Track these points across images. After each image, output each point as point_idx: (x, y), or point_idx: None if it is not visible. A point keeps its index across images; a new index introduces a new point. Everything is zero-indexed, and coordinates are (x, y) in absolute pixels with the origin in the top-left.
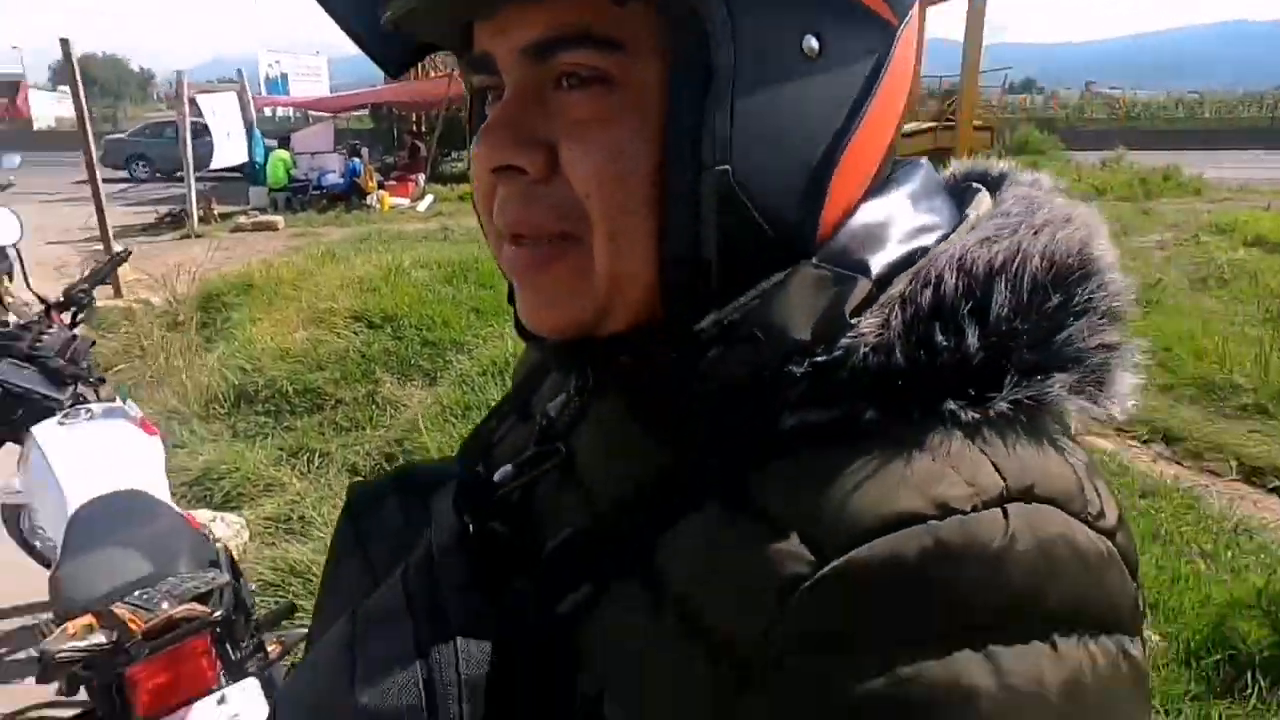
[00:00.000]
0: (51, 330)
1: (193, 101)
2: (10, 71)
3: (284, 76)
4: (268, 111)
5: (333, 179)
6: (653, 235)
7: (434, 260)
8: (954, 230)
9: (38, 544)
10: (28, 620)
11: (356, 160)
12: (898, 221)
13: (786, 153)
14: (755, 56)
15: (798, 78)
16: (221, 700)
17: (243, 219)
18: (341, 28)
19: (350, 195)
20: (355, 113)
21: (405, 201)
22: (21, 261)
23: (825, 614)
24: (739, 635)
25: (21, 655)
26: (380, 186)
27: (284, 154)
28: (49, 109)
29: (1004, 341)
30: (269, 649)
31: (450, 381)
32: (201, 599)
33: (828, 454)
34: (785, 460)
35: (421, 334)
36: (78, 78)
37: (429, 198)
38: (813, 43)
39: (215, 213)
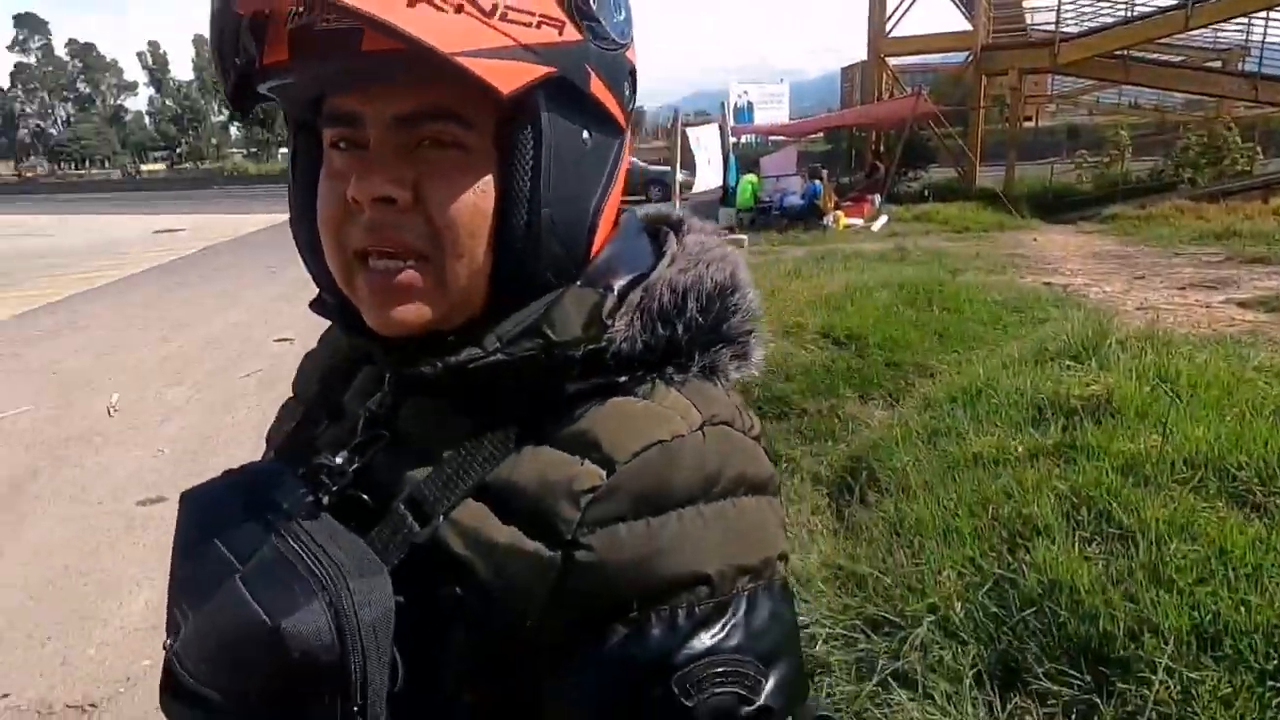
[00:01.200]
0: None
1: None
2: None
3: (750, 105)
4: (744, 139)
5: (793, 200)
6: (488, 256)
7: (895, 281)
8: (659, 261)
9: None
10: None
11: (817, 183)
12: (623, 256)
13: (576, 204)
14: (559, 143)
15: (580, 157)
16: None
17: None
18: (219, 67)
19: (808, 216)
20: (811, 136)
21: (859, 221)
22: None
23: (615, 502)
24: (557, 523)
25: None
26: (837, 207)
27: (753, 178)
28: None
29: (694, 332)
30: None
31: (915, 405)
32: None
33: (600, 408)
34: (569, 413)
35: (884, 354)
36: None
37: (884, 217)
38: (585, 136)
39: None
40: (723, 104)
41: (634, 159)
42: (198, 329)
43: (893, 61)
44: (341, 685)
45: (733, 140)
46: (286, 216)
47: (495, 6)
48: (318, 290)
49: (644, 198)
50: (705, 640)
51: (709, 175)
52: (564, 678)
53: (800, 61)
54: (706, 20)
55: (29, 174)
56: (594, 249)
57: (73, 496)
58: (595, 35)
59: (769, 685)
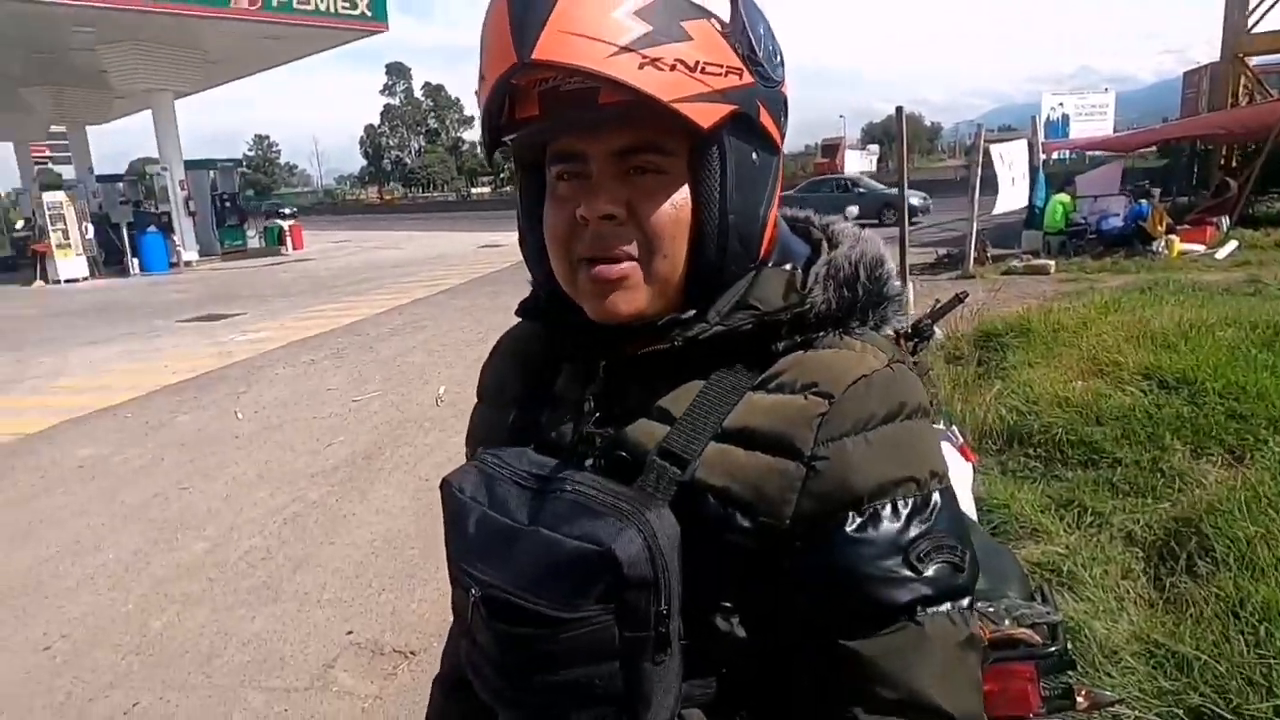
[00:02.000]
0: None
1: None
2: (834, 135)
3: (1064, 118)
4: (1054, 155)
5: (1113, 223)
6: (685, 256)
7: (1246, 318)
8: (813, 248)
9: None
10: None
11: (1143, 203)
12: (790, 247)
13: (751, 211)
14: (738, 163)
15: (752, 174)
16: None
17: (1015, 262)
18: (485, 122)
19: (1132, 240)
20: (1140, 151)
21: (1198, 247)
22: None
23: (839, 423)
24: (797, 443)
25: None
26: (1170, 231)
27: (1064, 197)
28: (856, 164)
29: (868, 294)
30: (1078, 697)
31: (1267, 466)
32: (1031, 628)
33: (806, 357)
34: (782, 364)
35: (1226, 403)
36: (905, 139)
37: (1232, 244)
38: (754, 156)
39: (989, 255)
40: (1033, 118)
41: (872, 181)
42: None
43: (1254, 61)
44: (654, 592)
45: (1042, 157)
46: None
47: (698, 63)
48: (529, 299)
49: (877, 221)
50: (921, 524)
51: (1013, 195)
52: (810, 557)
53: (1130, 67)
54: (1015, 30)
55: (387, 197)
56: (764, 245)
57: (406, 470)
58: (761, 77)
59: (969, 558)
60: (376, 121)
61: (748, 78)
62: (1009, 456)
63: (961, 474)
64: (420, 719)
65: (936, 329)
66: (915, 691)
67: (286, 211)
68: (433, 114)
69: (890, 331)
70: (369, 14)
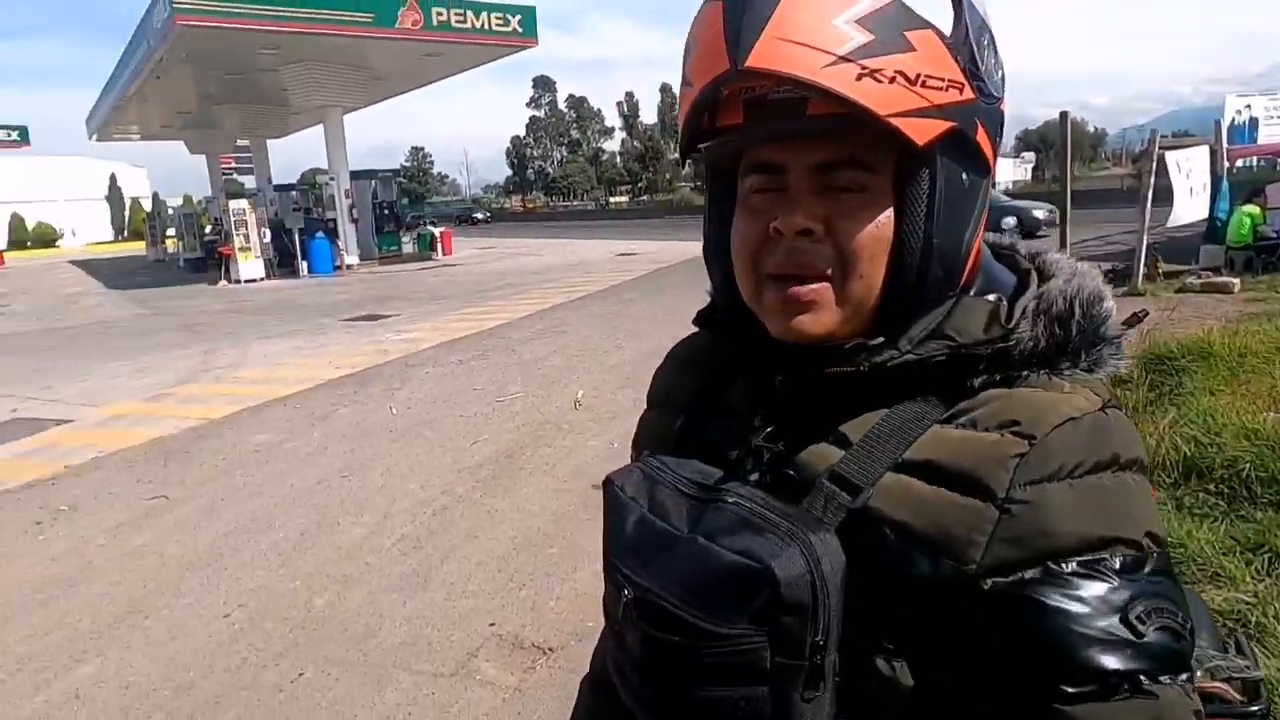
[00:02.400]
0: None
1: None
2: None
3: (1252, 121)
4: (1238, 162)
5: None
6: (882, 277)
7: None
8: (1018, 279)
9: None
10: None
11: None
12: (995, 277)
13: (957, 236)
14: (947, 184)
15: (960, 196)
16: None
17: (1191, 279)
18: (684, 129)
19: None
20: None
21: None
22: None
23: (1041, 465)
24: (990, 484)
25: None
26: None
27: (1253, 209)
28: (1008, 174)
29: (1083, 333)
30: None
31: None
32: (1227, 683)
33: (1007, 394)
34: (972, 400)
35: None
36: (1069, 147)
37: None
38: (965, 178)
39: (1160, 271)
40: (1216, 121)
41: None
42: (646, 340)
43: None
44: (812, 619)
45: (1226, 165)
46: None
47: (918, 75)
48: (706, 309)
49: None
50: (1137, 584)
51: (1191, 207)
52: (1009, 608)
53: None
54: (1192, 26)
55: (530, 205)
56: (966, 272)
57: (546, 471)
58: (982, 93)
59: (1189, 628)
60: (522, 133)
61: (969, 93)
62: (1185, 491)
63: None
64: (556, 714)
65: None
66: None
67: (429, 223)
68: (575, 125)
69: (1105, 377)
70: (520, 31)
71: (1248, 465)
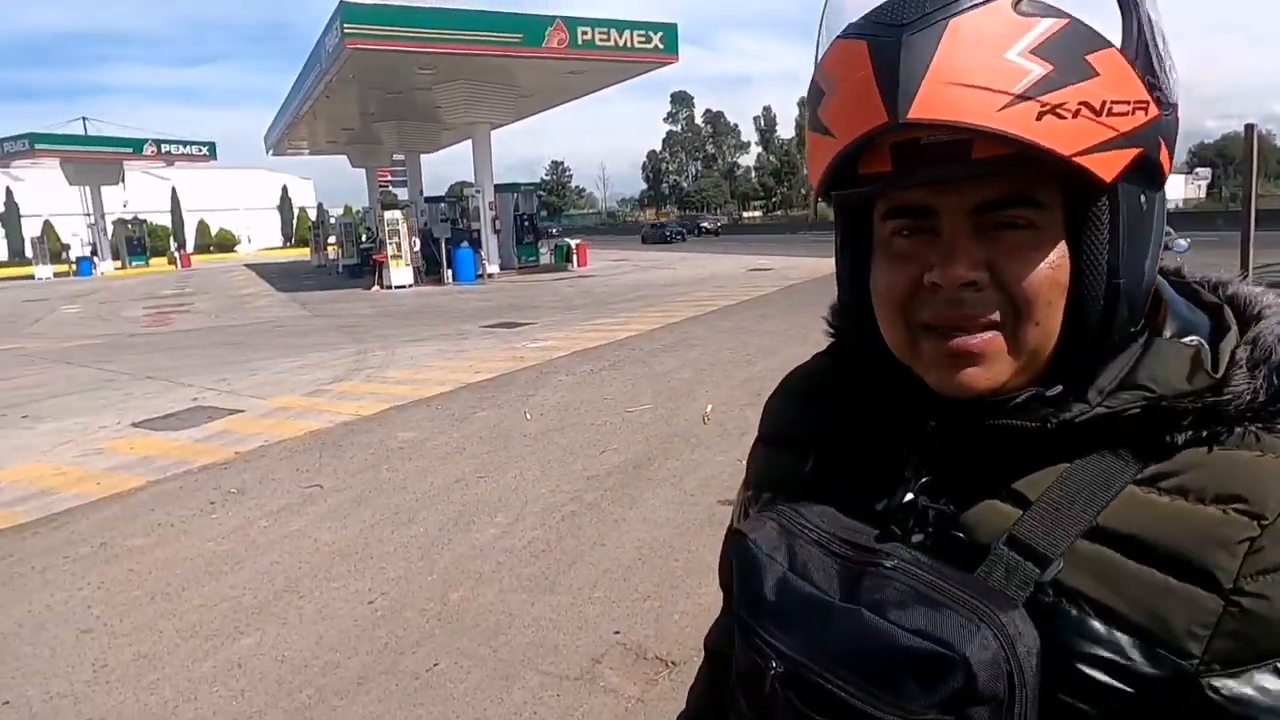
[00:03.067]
0: None
1: None
2: None
3: None
4: None
5: None
6: (1059, 322)
7: None
8: (1216, 314)
9: None
10: None
11: None
12: (1185, 314)
13: (1140, 267)
14: (1128, 212)
15: (1140, 221)
16: None
17: None
18: (825, 178)
19: None
20: None
21: None
22: None
23: (1271, 555)
24: (1214, 571)
25: None
26: None
27: None
28: (1179, 191)
29: None
30: None
31: None
32: None
33: (1223, 459)
34: (1182, 461)
35: None
36: (1255, 161)
37: None
38: (1142, 199)
39: None
40: None
41: None
42: (776, 356)
43: None
44: (1006, 712)
45: None
46: None
47: (1104, 104)
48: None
49: None
50: None
51: None
52: (1236, 708)
53: None
54: None
55: (663, 218)
56: (1147, 306)
57: (673, 483)
58: (1163, 104)
59: None
60: (658, 147)
61: (1153, 110)
62: None
63: None
64: None
65: None
66: None
67: (554, 231)
68: (711, 140)
69: None
70: (661, 47)
71: None
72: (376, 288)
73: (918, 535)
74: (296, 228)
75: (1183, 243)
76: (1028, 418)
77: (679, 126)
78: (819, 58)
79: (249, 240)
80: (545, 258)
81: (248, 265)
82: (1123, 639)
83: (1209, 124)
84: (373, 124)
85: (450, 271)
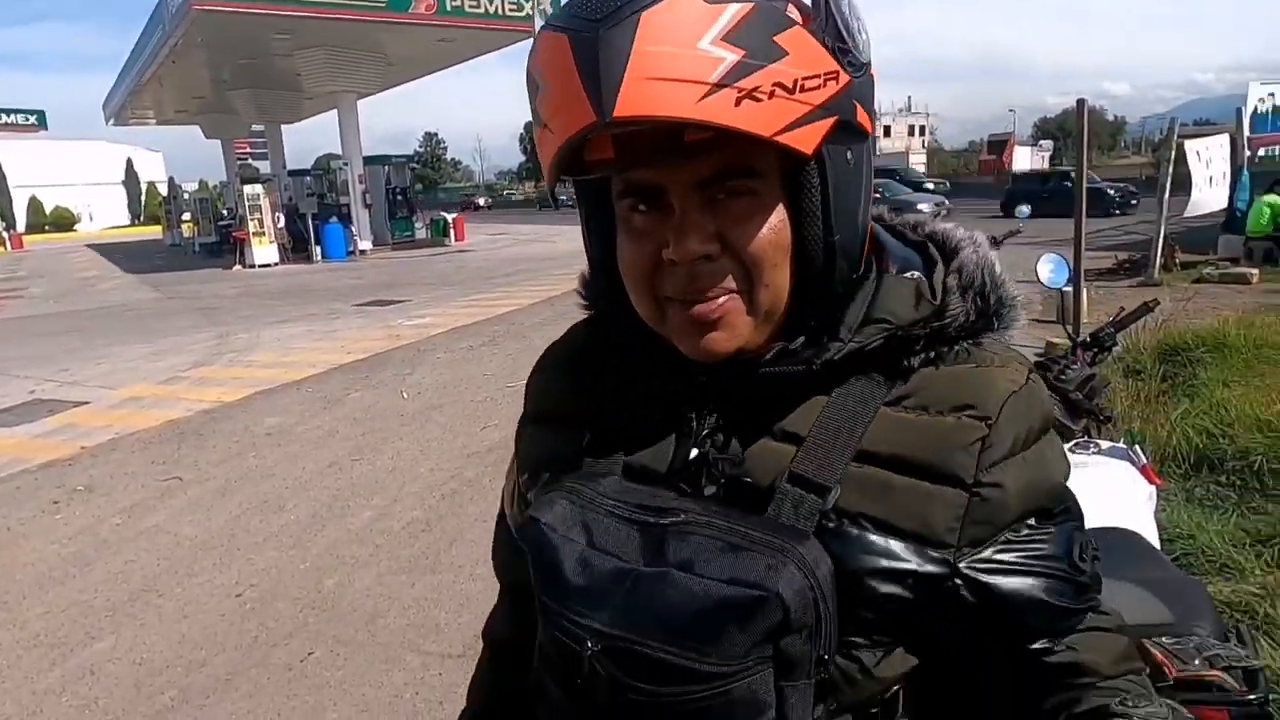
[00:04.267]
0: (1074, 366)
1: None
2: (1003, 131)
3: (1275, 110)
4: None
5: None
6: (787, 280)
7: None
8: (922, 250)
9: None
10: None
11: None
12: (899, 253)
13: (854, 221)
14: (837, 172)
15: (850, 177)
16: None
17: (1209, 269)
18: (552, 169)
19: None
20: None
21: None
22: (1063, 302)
23: (1000, 446)
24: (958, 470)
25: None
26: None
27: (1274, 199)
28: (1026, 162)
29: (998, 301)
30: None
31: None
32: (1226, 671)
33: (951, 374)
34: (919, 381)
35: None
36: (1085, 134)
37: None
38: (849, 155)
39: (1177, 261)
40: (1238, 110)
41: (895, 183)
42: None
43: None
44: (816, 635)
45: (1247, 154)
46: None
47: (796, 81)
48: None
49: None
50: (1075, 527)
51: (1210, 197)
52: (987, 576)
53: None
54: (1215, 12)
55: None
56: (864, 251)
57: None
58: (854, 68)
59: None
60: None
61: (844, 77)
62: (1196, 482)
63: (1142, 497)
64: None
65: (1119, 339)
66: (1109, 668)
67: (482, 204)
68: None
69: (1013, 338)
70: (534, 15)
71: (1260, 457)
72: (238, 267)
73: (710, 488)
74: (146, 204)
75: (1024, 209)
76: (793, 362)
77: None
78: (532, 46)
79: (91, 218)
80: (421, 233)
81: (90, 246)
82: (896, 546)
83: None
84: (226, 92)
85: (319, 249)
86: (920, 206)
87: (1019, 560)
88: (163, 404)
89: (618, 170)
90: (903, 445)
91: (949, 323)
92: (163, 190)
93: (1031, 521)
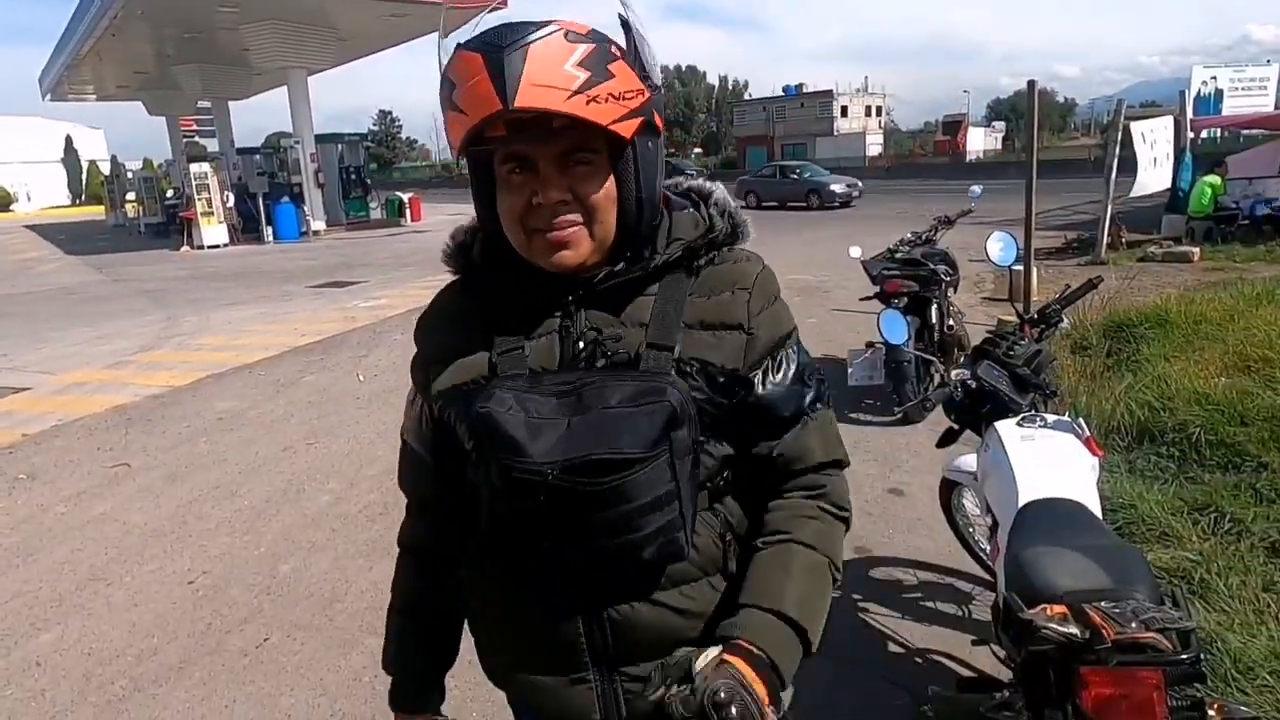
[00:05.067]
0: (1022, 342)
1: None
2: (958, 112)
3: (1218, 93)
4: (1203, 133)
5: (1269, 207)
6: (614, 220)
7: None
8: (688, 196)
9: (959, 519)
10: (940, 578)
11: None
12: (677, 199)
13: (653, 185)
14: (642, 153)
15: (651, 158)
16: None
17: (1153, 248)
18: (461, 142)
19: None
20: None
21: None
22: (1013, 280)
23: (757, 303)
24: (740, 320)
25: (951, 608)
26: None
27: (1214, 179)
28: (980, 143)
29: (735, 221)
30: (1209, 711)
31: None
32: (1160, 633)
33: (720, 266)
34: (707, 276)
35: None
36: (1035, 115)
37: None
38: (650, 145)
39: (1124, 240)
40: (1181, 92)
41: (814, 166)
42: None
43: None
44: (691, 427)
45: (1190, 135)
46: None
47: (620, 93)
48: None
49: (805, 205)
50: (804, 357)
51: (1154, 177)
52: (756, 389)
53: None
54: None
55: None
56: (661, 203)
57: None
58: (652, 87)
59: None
60: None
61: (646, 93)
62: (1138, 454)
63: (1086, 468)
64: None
65: (1065, 316)
66: (821, 456)
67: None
68: None
69: (746, 245)
70: None
71: (1198, 429)
72: (186, 248)
73: (601, 362)
74: (87, 183)
75: (976, 189)
76: (630, 273)
77: None
78: (445, 61)
79: (28, 198)
80: (376, 212)
81: (28, 226)
82: (716, 374)
83: (1004, 81)
84: (171, 67)
85: (270, 229)
86: (833, 187)
87: (773, 375)
88: (108, 389)
89: (506, 144)
90: (706, 314)
91: (718, 234)
92: (105, 169)
93: (784, 351)
